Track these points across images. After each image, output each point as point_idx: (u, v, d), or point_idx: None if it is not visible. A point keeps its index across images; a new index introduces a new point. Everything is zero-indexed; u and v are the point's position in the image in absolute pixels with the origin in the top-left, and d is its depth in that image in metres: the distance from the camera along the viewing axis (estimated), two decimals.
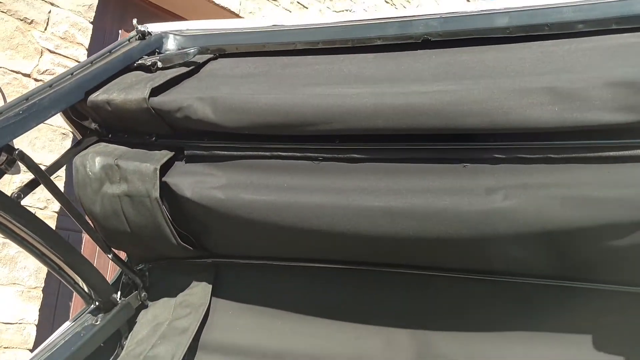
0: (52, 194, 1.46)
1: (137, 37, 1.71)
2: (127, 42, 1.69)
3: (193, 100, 1.41)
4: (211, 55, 1.66)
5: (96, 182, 1.51)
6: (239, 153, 1.48)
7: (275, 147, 1.44)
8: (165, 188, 1.48)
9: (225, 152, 1.49)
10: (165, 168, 1.49)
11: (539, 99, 1.19)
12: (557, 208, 1.19)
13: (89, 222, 1.61)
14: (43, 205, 4.27)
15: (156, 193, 1.44)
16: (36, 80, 4.18)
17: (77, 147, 1.60)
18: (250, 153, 1.47)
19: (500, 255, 1.35)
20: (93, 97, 1.51)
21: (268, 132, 1.41)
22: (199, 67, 1.61)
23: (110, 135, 1.62)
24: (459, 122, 1.23)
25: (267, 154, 1.45)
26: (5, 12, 4.55)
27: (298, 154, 1.43)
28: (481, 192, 1.26)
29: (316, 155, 1.42)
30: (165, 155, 1.50)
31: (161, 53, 1.69)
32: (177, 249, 1.56)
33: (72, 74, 1.51)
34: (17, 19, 4.59)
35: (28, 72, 4.30)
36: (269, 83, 1.47)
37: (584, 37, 1.30)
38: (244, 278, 1.73)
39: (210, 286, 1.72)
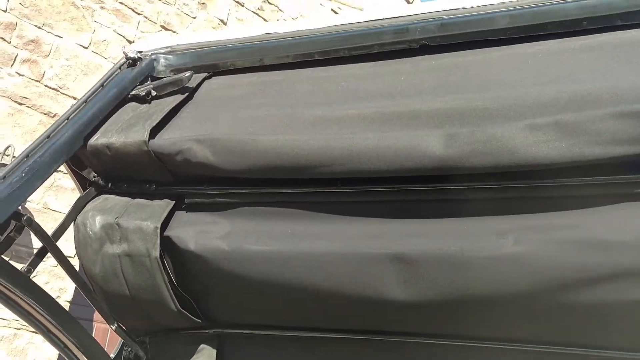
0: (58, 262, 1.42)
1: (127, 63, 1.65)
2: (118, 70, 1.64)
3: (192, 143, 1.38)
4: (205, 74, 1.61)
5: (96, 241, 1.46)
6: (239, 200, 1.43)
7: (276, 192, 1.40)
8: (167, 242, 1.44)
9: (226, 199, 1.44)
10: (166, 221, 1.45)
11: (546, 136, 1.13)
12: (571, 253, 1.11)
13: (93, 290, 1.56)
14: (56, 295, 4.24)
15: (156, 252, 1.39)
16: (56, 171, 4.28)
17: (79, 204, 1.56)
18: (251, 200, 1.42)
19: (511, 312, 1.23)
20: (92, 141, 1.49)
21: (267, 175, 1.37)
22: (194, 90, 1.57)
23: (110, 185, 1.57)
24: (464, 163, 1.17)
25: (269, 200, 1.41)
26: (30, 107, 4.74)
27: (299, 199, 1.38)
28: (491, 236, 1.18)
29: (318, 200, 1.37)
30: (165, 208, 1.46)
31: (154, 77, 1.64)
32: (177, 317, 1.49)
33: (68, 118, 1.48)
34: (42, 113, 4.79)
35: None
36: (267, 109, 1.42)
37: (589, 34, 1.24)
38: (248, 352, 1.63)
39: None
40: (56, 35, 4.90)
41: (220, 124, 1.42)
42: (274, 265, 1.34)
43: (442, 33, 1.37)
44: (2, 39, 4.63)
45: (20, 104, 4.68)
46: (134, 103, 1.58)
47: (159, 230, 1.40)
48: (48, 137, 1.42)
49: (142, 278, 1.43)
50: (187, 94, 1.54)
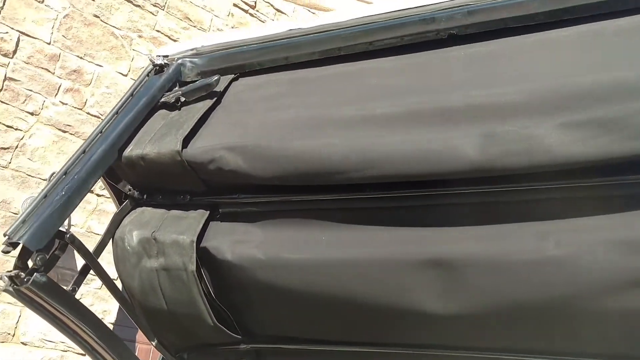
0: (99, 277, 1.45)
1: (154, 70, 1.66)
2: (147, 77, 1.64)
3: (224, 151, 1.37)
4: (232, 76, 1.60)
5: (134, 256, 1.47)
6: (272, 208, 1.41)
7: (308, 199, 1.37)
8: (203, 254, 1.43)
9: (260, 208, 1.43)
10: (202, 233, 1.44)
11: (583, 132, 1.07)
12: (615, 254, 1.05)
13: (134, 306, 1.56)
14: (100, 317, 4.29)
15: (193, 266, 1.39)
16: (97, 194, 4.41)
17: (116, 219, 1.57)
18: (284, 207, 1.41)
19: (555, 320, 1.16)
20: (127, 153, 1.50)
21: (298, 182, 1.35)
22: (222, 93, 1.56)
23: (145, 197, 1.58)
24: (501, 164, 1.12)
25: (301, 207, 1.39)
26: (73, 134, 4.90)
27: (331, 206, 1.35)
28: (532, 238, 1.12)
29: (350, 206, 1.34)
30: (200, 220, 1.45)
31: (181, 82, 1.64)
32: (214, 331, 1.47)
33: (101, 131, 1.49)
34: (84, 139, 4.91)
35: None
36: (295, 110, 1.40)
37: (625, 16, 1.16)
38: None
39: None
40: (97, 65, 5.07)
41: (250, 130, 1.41)
42: (309, 274, 1.32)
43: (470, 21, 1.31)
44: (47, 70, 4.81)
45: (64, 131, 4.85)
46: (164, 110, 1.59)
47: (195, 244, 1.39)
48: (84, 152, 1.44)
49: (179, 292, 1.43)
50: (215, 98, 1.54)
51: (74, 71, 4.97)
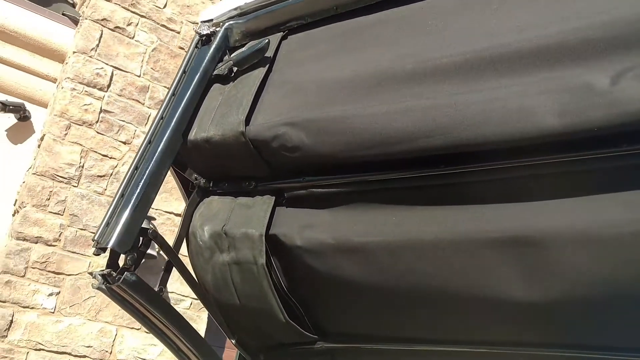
0: (180, 273, 1.47)
1: (202, 40, 1.59)
2: (195, 49, 1.58)
3: (286, 127, 1.31)
4: (281, 35, 1.52)
5: (207, 251, 1.46)
6: (338, 190, 1.33)
7: (376, 178, 1.28)
8: (273, 242, 1.38)
9: (325, 190, 1.35)
10: (269, 222, 1.40)
11: None
12: None
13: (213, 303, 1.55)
14: None
15: (262, 259, 1.36)
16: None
17: (188, 213, 1.56)
18: (351, 188, 1.31)
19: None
20: (192, 137, 1.47)
21: (364, 155, 1.24)
22: (274, 56, 1.48)
23: (212, 186, 1.55)
24: (587, 125, 0.98)
25: (369, 187, 1.29)
26: None
27: (401, 185, 1.25)
28: (619, 209, 1.00)
29: (422, 183, 1.22)
30: (267, 209, 1.40)
31: (230, 47, 1.57)
32: (286, 329, 1.42)
33: (162, 117, 1.47)
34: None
35: (179, 212, 4.71)
36: (352, 68, 1.29)
37: None
38: None
39: None
40: None
41: (310, 97, 1.33)
42: (381, 257, 1.23)
43: None
44: (137, 101, 5.10)
45: None
46: (218, 85, 1.54)
47: (264, 237, 1.36)
48: (150, 142, 1.43)
49: (250, 287, 1.41)
50: (268, 64, 1.47)
51: (162, 101, 5.22)
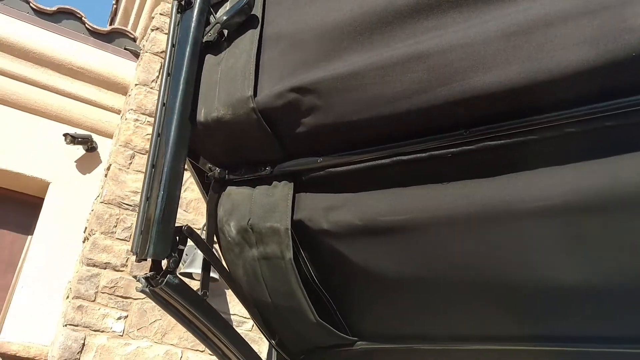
0: (217, 270, 1.45)
1: (181, 5, 1.42)
2: (178, 16, 1.42)
3: (294, 94, 1.17)
4: None
5: (236, 247, 1.40)
6: (356, 167, 1.19)
7: (395, 152, 1.12)
8: (299, 228, 1.29)
9: (345, 168, 1.22)
10: (292, 212, 1.30)
11: None
12: None
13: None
14: None
15: (290, 254, 1.27)
16: None
17: (211, 210, 1.48)
18: (369, 165, 1.17)
19: None
20: (201, 119, 1.34)
21: (379, 115, 1.09)
22: (263, 6, 1.33)
23: (227, 174, 1.43)
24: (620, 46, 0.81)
25: (389, 162, 1.13)
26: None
27: (422, 154, 1.08)
28: None
29: (446, 152, 1.06)
30: (288, 197, 1.30)
31: (213, 4, 1.42)
32: (318, 329, 1.32)
33: (164, 103, 1.35)
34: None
35: None
36: (350, 7, 1.14)
37: None
38: None
39: None
40: None
41: (309, 53, 1.20)
42: (413, 238, 1.12)
43: None
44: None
45: None
46: (212, 55, 1.39)
47: (289, 231, 1.28)
48: (159, 135, 1.33)
49: (279, 283, 1.33)
50: (259, 19, 1.32)
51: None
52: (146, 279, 1.33)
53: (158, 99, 1.36)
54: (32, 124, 5.28)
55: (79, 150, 5.36)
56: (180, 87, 1.33)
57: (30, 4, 5.34)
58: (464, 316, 1.18)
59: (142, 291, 1.33)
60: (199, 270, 4.31)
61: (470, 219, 1.03)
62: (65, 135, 5.13)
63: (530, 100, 0.92)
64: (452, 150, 1.05)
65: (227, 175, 1.43)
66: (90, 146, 5.34)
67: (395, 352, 1.34)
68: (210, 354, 4.75)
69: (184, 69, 1.34)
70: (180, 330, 4.73)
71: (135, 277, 1.37)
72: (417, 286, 1.17)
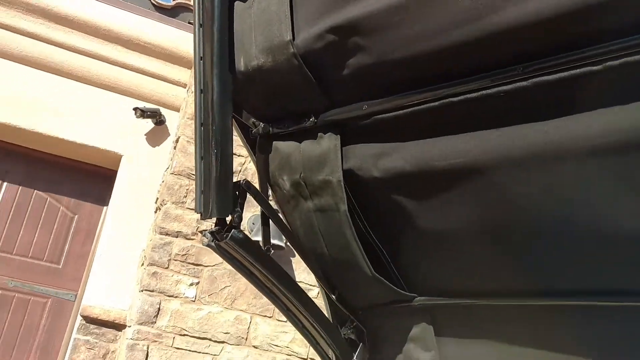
0: (275, 223, 1.44)
1: None
2: None
3: (331, 35, 1.10)
4: None
5: (292, 199, 1.39)
6: (403, 111, 1.11)
7: (443, 92, 1.04)
8: (349, 178, 1.25)
9: (390, 114, 1.14)
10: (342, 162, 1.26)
11: None
12: None
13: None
14: None
15: (344, 206, 1.24)
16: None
17: (260, 167, 1.46)
18: (417, 108, 1.09)
19: None
20: (241, 68, 1.28)
21: (424, 52, 1.01)
22: None
23: (272, 129, 1.38)
24: None
25: (437, 103, 1.06)
26: None
27: (474, 94, 0.99)
28: None
29: (497, 90, 0.98)
30: (335, 149, 1.24)
31: None
32: (374, 284, 1.29)
33: (201, 57, 1.28)
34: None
35: None
36: None
37: None
38: (472, 327, 1.26)
39: (432, 338, 1.31)
40: None
41: None
42: (470, 183, 1.05)
43: None
44: None
45: None
46: (240, 2, 1.32)
47: (342, 183, 1.24)
48: (202, 92, 1.28)
49: (335, 235, 1.30)
50: None
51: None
52: (212, 233, 1.35)
53: (195, 54, 1.29)
54: (103, 98, 5.48)
55: (148, 124, 5.53)
56: (215, 37, 1.26)
57: None
58: (530, 268, 1.11)
59: (208, 245, 1.36)
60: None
61: (531, 159, 0.96)
62: (135, 109, 5.30)
63: (589, 28, 0.84)
64: (506, 88, 0.97)
65: (271, 129, 1.38)
66: (159, 119, 5.49)
67: (457, 308, 1.29)
68: (278, 319, 4.86)
69: (215, 17, 1.26)
70: (249, 296, 4.85)
71: (201, 232, 1.39)
72: (478, 236, 1.11)
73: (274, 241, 4.30)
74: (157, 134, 5.58)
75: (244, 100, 1.37)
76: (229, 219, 1.35)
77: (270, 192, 1.48)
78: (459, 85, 1.01)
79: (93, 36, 5.39)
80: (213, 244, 1.35)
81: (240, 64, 1.29)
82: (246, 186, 1.35)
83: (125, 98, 5.54)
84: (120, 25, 5.42)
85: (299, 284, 4.64)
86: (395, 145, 1.16)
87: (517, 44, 0.92)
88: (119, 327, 5.05)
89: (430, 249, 1.25)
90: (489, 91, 0.98)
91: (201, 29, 1.27)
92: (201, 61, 1.27)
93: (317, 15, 1.15)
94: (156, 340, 4.55)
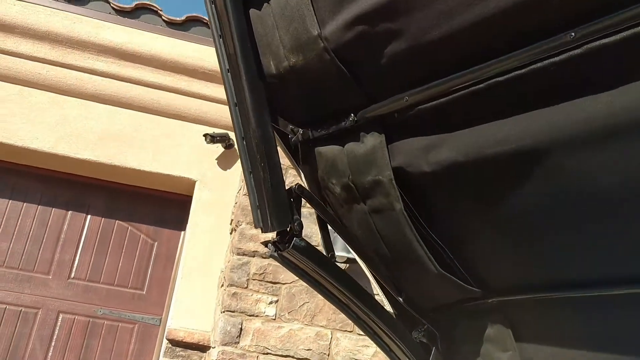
0: (334, 229, 1.42)
1: None
2: None
3: (363, 26, 1.03)
4: None
5: (345, 203, 1.36)
6: (447, 99, 1.03)
7: (488, 70, 0.95)
8: (399, 176, 1.18)
9: (433, 103, 1.06)
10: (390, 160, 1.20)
11: None
12: None
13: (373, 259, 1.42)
14: None
15: (400, 204, 1.18)
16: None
17: (306, 173, 1.42)
18: (461, 93, 1.01)
19: None
20: (273, 71, 1.23)
21: (461, 27, 0.93)
22: None
23: (311, 133, 1.33)
24: None
25: (483, 85, 0.97)
26: None
27: (521, 70, 0.91)
28: None
29: (547, 62, 0.87)
30: (381, 146, 1.18)
31: None
32: (442, 281, 1.22)
33: (228, 70, 1.22)
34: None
35: None
36: None
37: None
38: (550, 321, 1.18)
39: (510, 337, 1.23)
40: None
41: None
42: (529, 168, 0.97)
43: None
44: None
45: None
46: (256, 3, 1.24)
47: (393, 181, 1.17)
48: (236, 104, 1.23)
49: (394, 234, 1.24)
50: None
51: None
52: (274, 244, 1.34)
53: (220, 67, 1.25)
54: (174, 127, 5.68)
55: (219, 148, 5.67)
56: (238, 45, 1.19)
57: (163, 17, 5.73)
58: (607, 254, 1.02)
59: (272, 256, 1.34)
60: (340, 252, 4.36)
61: (594, 136, 0.87)
62: (205, 135, 5.45)
63: None
64: (557, 59, 0.87)
65: (311, 134, 1.33)
66: (228, 143, 5.62)
67: (532, 303, 1.20)
68: (359, 334, 4.80)
69: (232, 23, 1.18)
70: (328, 311, 4.82)
71: (265, 244, 1.38)
72: (546, 223, 1.02)
73: (348, 255, 4.27)
74: (227, 157, 5.71)
75: (279, 107, 1.34)
76: (289, 228, 1.33)
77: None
78: (503, 61, 0.93)
79: (160, 69, 5.60)
80: (276, 254, 1.33)
81: (271, 67, 1.24)
82: (299, 191, 1.33)
83: (194, 125, 5.71)
84: (185, 55, 5.61)
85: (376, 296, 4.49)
86: (443, 136, 1.09)
87: (566, 4, 0.82)
88: (203, 348, 5.16)
89: (496, 242, 1.16)
90: (538, 64, 0.89)
91: (221, 39, 1.22)
92: (228, 73, 1.23)
93: (339, 2, 1.08)
94: None
